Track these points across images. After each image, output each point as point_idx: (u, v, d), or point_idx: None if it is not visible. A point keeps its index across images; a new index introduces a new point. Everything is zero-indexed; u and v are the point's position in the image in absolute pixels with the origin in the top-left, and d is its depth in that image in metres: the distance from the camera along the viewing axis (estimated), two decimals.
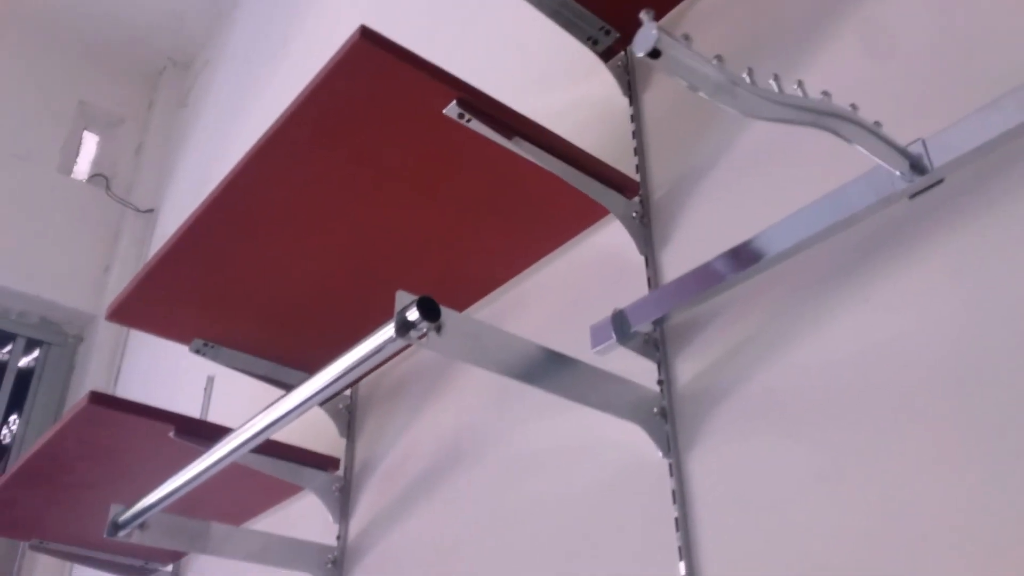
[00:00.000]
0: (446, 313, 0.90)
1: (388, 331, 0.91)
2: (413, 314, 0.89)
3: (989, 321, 0.80)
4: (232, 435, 1.20)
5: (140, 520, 1.36)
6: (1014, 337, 0.78)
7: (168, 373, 2.68)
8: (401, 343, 0.91)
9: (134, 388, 2.93)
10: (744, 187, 1.10)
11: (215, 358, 1.57)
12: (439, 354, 0.94)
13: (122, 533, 1.35)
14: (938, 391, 0.82)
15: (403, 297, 0.90)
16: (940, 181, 0.86)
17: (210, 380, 2.36)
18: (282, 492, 1.69)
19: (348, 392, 1.71)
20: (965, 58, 0.91)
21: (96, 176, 3.48)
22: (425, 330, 0.89)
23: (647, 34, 0.68)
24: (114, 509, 1.36)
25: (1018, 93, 0.78)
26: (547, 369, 0.99)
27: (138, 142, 3.68)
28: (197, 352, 1.56)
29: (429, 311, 0.89)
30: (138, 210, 3.43)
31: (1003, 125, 0.78)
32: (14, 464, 1.61)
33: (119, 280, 3.23)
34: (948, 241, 0.86)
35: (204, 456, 1.26)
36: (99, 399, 1.39)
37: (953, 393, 0.81)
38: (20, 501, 1.73)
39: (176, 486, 1.29)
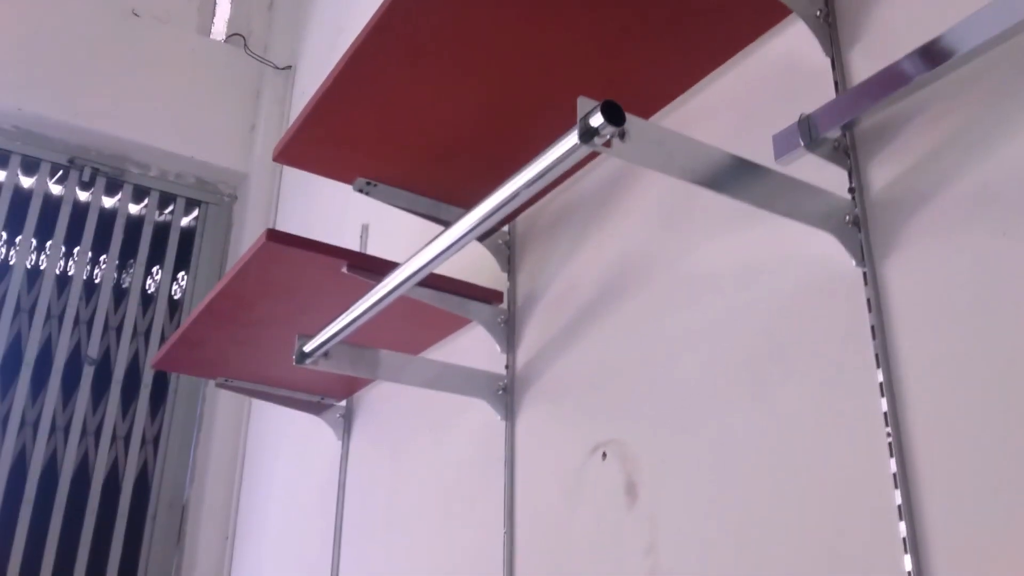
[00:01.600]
0: (630, 119, 0.87)
1: (571, 138, 0.89)
2: (597, 119, 0.86)
3: None
4: (400, 268, 1.23)
5: (324, 349, 1.43)
6: None
7: (320, 226, 2.77)
8: (586, 150, 0.88)
9: None
10: None
11: (377, 196, 1.60)
12: (624, 160, 0.91)
13: (308, 361, 1.43)
14: None
15: (585, 103, 0.87)
16: None
17: (364, 228, 2.42)
18: (450, 325, 1.74)
19: (506, 228, 1.72)
20: None
21: (234, 36, 3.51)
22: (609, 136, 0.87)
23: None
24: (300, 339, 1.43)
25: None
26: (734, 175, 0.95)
27: None
28: (360, 191, 1.58)
29: (613, 116, 0.86)
30: (276, 67, 3.46)
31: None
32: (199, 305, 1.71)
33: (265, 138, 3.31)
34: None
35: (376, 288, 1.30)
36: (276, 236, 1.44)
37: None
38: (205, 341, 1.84)
39: (354, 317, 1.35)
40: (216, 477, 2.92)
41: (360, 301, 1.33)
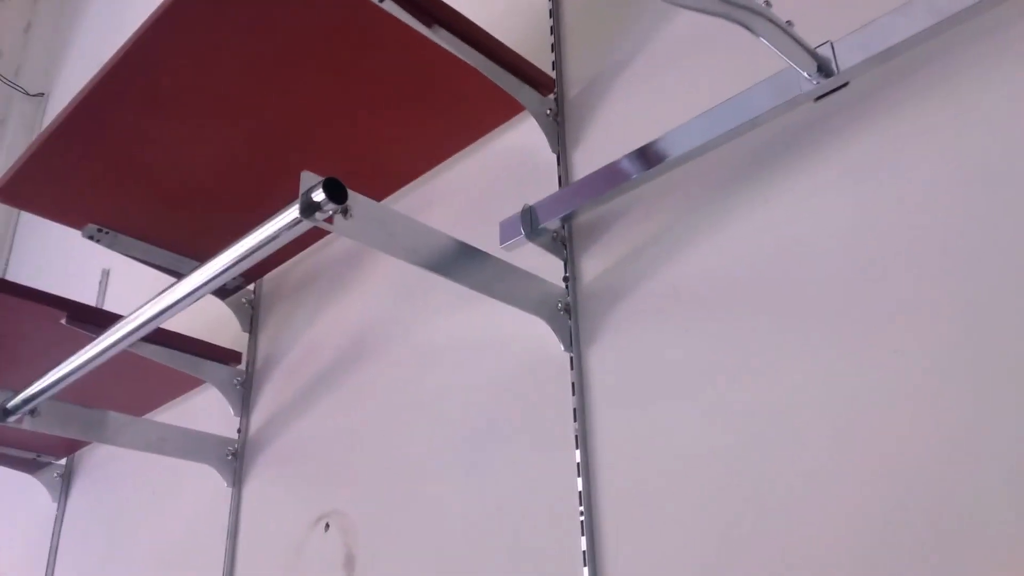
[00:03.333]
0: (353, 196, 0.89)
1: (292, 212, 0.89)
2: (319, 195, 0.87)
3: (886, 221, 0.84)
4: (125, 320, 1.17)
5: (30, 405, 1.32)
6: (909, 237, 0.82)
7: (59, 266, 2.58)
8: (306, 225, 0.89)
9: (23, 281, 2.80)
10: (657, 87, 1.11)
11: (110, 245, 1.51)
12: (347, 237, 0.92)
13: (12, 419, 1.31)
14: (833, 289, 0.85)
15: (309, 178, 0.88)
16: (846, 84, 0.87)
17: (105, 273, 2.28)
18: (183, 385, 1.67)
19: (252, 287, 1.68)
20: None
21: None
22: (331, 212, 0.88)
23: None
24: (2, 394, 1.32)
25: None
26: (456, 260, 0.99)
27: (27, 20, 3.44)
28: (91, 238, 1.49)
29: (335, 192, 0.87)
30: (27, 93, 3.23)
31: (909, 30, 0.80)
32: None
33: (5, 168, 3.06)
34: (850, 144, 0.89)
35: (95, 342, 1.22)
36: None
37: (848, 291, 0.84)
38: None
39: (67, 371, 1.25)
40: None
41: (76, 355, 1.24)
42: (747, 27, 0.79)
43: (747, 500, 0.85)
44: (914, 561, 0.73)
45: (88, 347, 1.23)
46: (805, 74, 0.86)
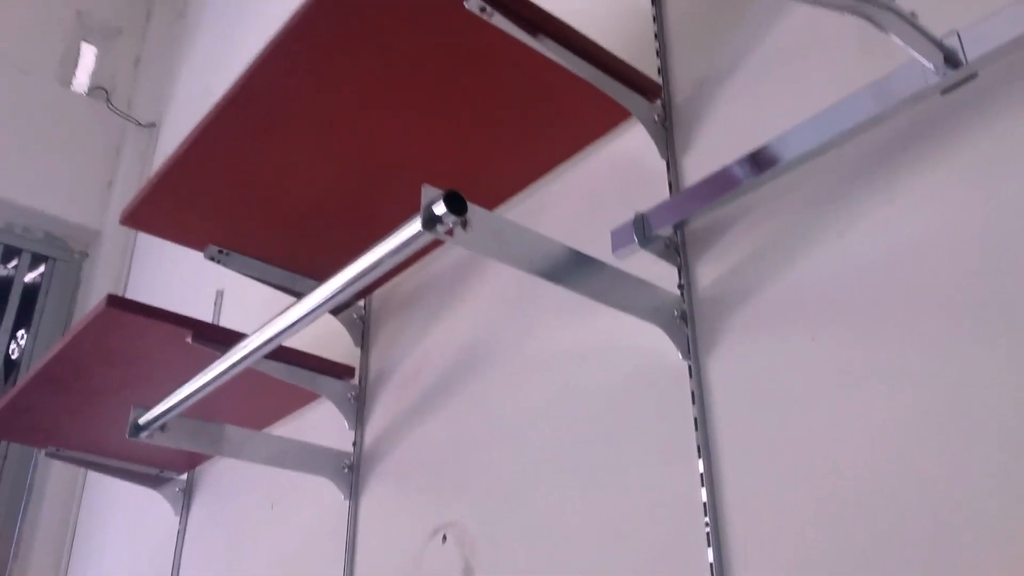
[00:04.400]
0: (472, 209, 0.90)
1: (415, 225, 0.91)
2: (440, 208, 0.88)
3: (1019, 217, 0.80)
4: (248, 339, 1.21)
5: (160, 422, 1.38)
6: None
7: (175, 290, 2.68)
8: (428, 237, 0.90)
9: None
10: (768, 89, 1.09)
11: (229, 265, 1.57)
12: (465, 248, 0.93)
13: (143, 434, 1.38)
14: (965, 290, 0.82)
15: (429, 191, 0.90)
16: (974, 76, 0.84)
17: (219, 294, 2.37)
18: (299, 399, 1.71)
19: (362, 303, 1.72)
20: None
21: (96, 89, 3.42)
22: (452, 224, 0.89)
23: None
24: (135, 411, 1.38)
25: None
26: (570, 268, 0.99)
27: (136, 54, 3.61)
28: (212, 259, 1.55)
29: (456, 205, 0.89)
30: (139, 124, 3.39)
31: None
32: (32, 369, 1.62)
33: (122, 195, 3.21)
34: (979, 139, 0.85)
35: (221, 360, 1.27)
36: (116, 302, 1.39)
37: (980, 291, 0.81)
38: (37, 407, 1.75)
39: (195, 388, 1.31)
40: (43, 552, 2.73)
41: (202, 373, 1.29)
42: (871, 20, 0.77)
43: (881, 512, 0.82)
44: None
45: (215, 364, 1.27)
46: (931, 66, 0.83)
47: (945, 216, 0.86)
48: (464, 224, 0.90)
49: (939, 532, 0.78)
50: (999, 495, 0.75)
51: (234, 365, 1.25)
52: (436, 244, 1.50)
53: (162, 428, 1.40)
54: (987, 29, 0.81)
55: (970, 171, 0.85)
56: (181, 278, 2.64)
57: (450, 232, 0.90)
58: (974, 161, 0.85)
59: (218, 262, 1.56)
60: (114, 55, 3.56)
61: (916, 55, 0.82)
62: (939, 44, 0.82)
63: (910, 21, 0.79)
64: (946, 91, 0.87)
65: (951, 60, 0.83)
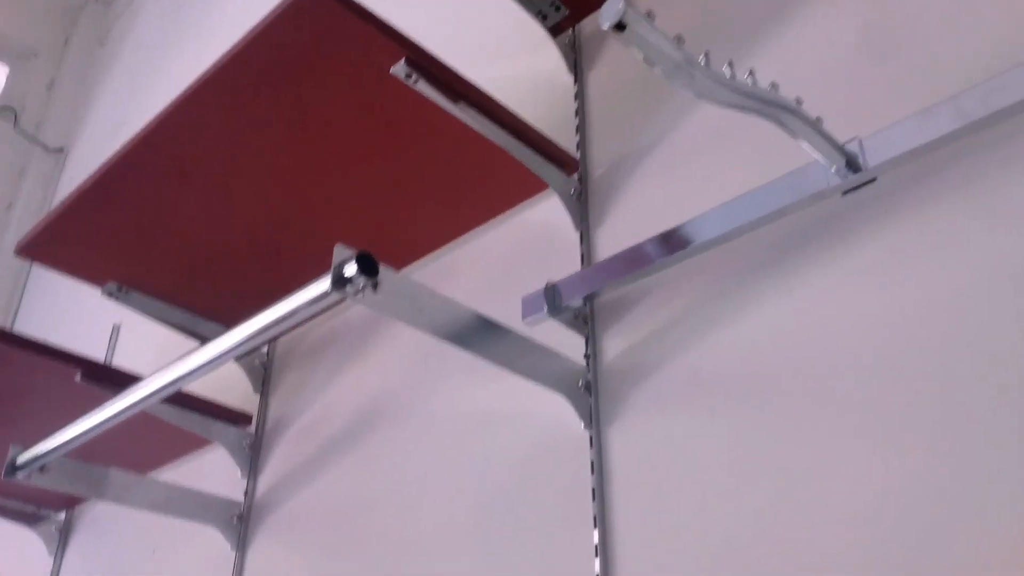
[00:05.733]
0: (384, 271, 0.90)
1: (324, 284, 0.90)
2: (351, 269, 0.88)
3: (911, 318, 0.84)
4: (144, 382, 1.17)
5: (40, 463, 1.31)
6: (936, 333, 0.82)
7: (69, 321, 2.58)
8: (336, 297, 0.90)
9: (31, 335, 2.80)
10: (682, 172, 1.13)
11: (128, 303, 1.52)
12: (373, 311, 0.93)
13: (21, 474, 1.31)
14: (857, 381, 0.86)
15: (341, 251, 0.89)
16: (873, 180, 0.89)
17: (115, 329, 2.29)
18: (190, 444, 1.66)
19: (265, 349, 1.68)
20: (904, 63, 0.95)
21: (5, 109, 3.31)
22: (362, 286, 0.89)
23: (614, 6, 0.69)
24: (13, 449, 1.31)
25: (952, 102, 0.82)
26: (479, 334, 0.99)
27: (51, 78, 3.51)
28: (110, 295, 1.50)
29: (367, 267, 0.89)
30: (47, 148, 3.28)
31: (936, 131, 0.82)
32: None
33: (21, 219, 3.09)
34: (876, 238, 0.90)
35: (112, 402, 1.22)
36: (1, 337, 1.33)
37: (869, 384, 0.85)
38: None
39: (81, 431, 1.25)
40: None
41: (91, 414, 1.24)
42: (780, 123, 0.81)
43: None
44: None
45: (105, 406, 1.22)
46: (833, 169, 0.88)
47: (840, 310, 0.90)
48: (375, 286, 0.90)
49: None
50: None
51: (126, 409, 1.20)
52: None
53: (41, 469, 1.33)
54: (887, 138, 0.86)
55: (867, 268, 0.90)
56: (78, 310, 2.54)
57: (359, 293, 0.89)
58: (871, 259, 0.90)
59: (117, 299, 1.51)
60: (27, 76, 3.45)
61: (820, 157, 0.87)
62: (841, 149, 0.87)
63: (815, 127, 0.83)
64: (846, 192, 0.91)
65: (852, 164, 0.88)
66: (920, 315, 0.84)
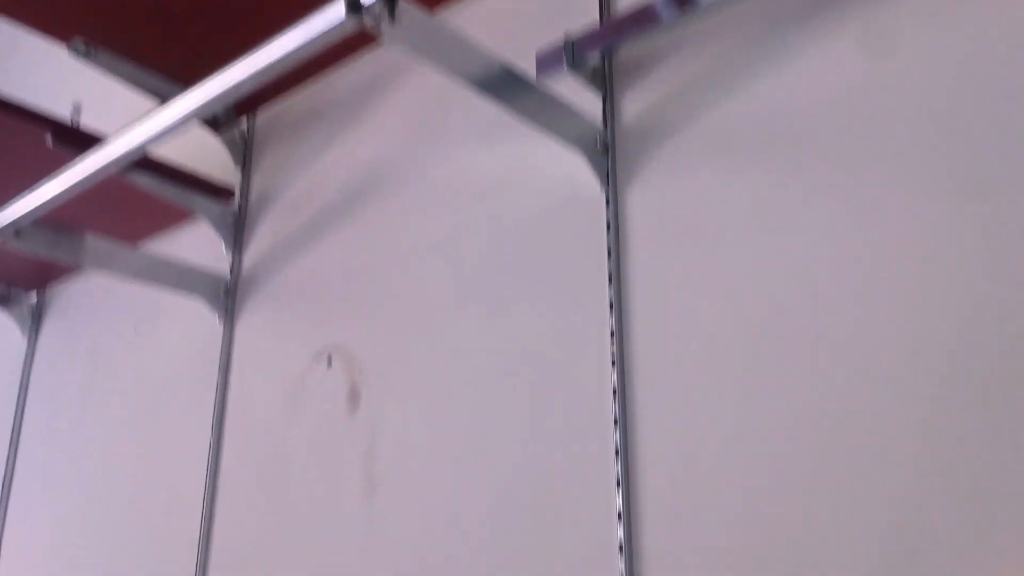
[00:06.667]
0: (402, 2, 0.83)
1: (338, 10, 0.83)
2: None
3: (986, 65, 0.80)
4: (112, 141, 1.10)
5: (14, 227, 1.25)
6: (982, 82, 0.79)
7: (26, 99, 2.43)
8: (352, 24, 0.83)
9: None
10: None
11: (96, 62, 1.41)
12: (390, 46, 0.86)
13: None
14: (900, 138, 0.83)
15: None
16: None
17: (76, 108, 2.16)
18: (170, 218, 1.60)
19: (244, 124, 1.60)
20: None
21: None
22: (379, 11, 0.82)
23: None
24: None
25: None
26: (499, 82, 0.94)
27: None
28: (77, 54, 1.39)
29: None
30: None
31: None
32: None
33: None
34: None
35: (84, 160, 1.15)
36: None
37: (917, 142, 0.82)
38: None
39: (54, 192, 1.19)
40: None
41: (62, 172, 1.17)
42: None
43: (792, 342, 0.84)
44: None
45: (77, 164, 1.16)
46: None
47: (888, 62, 0.85)
48: (392, 13, 0.82)
49: (830, 374, 0.80)
50: (914, 351, 0.78)
51: (99, 170, 1.14)
52: (341, 54, 1.40)
53: (16, 234, 1.28)
54: None
55: (910, 18, 0.84)
56: (35, 87, 2.39)
57: (377, 22, 0.82)
58: (914, 6, 0.84)
59: (83, 57, 1.39)
60: None
61: None
62: None
63: None
64: None
65: None
66: (965, 67, 0.80)
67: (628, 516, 0.89)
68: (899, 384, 0.76)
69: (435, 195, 1.22)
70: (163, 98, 1.48)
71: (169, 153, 1.43)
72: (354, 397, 1.21)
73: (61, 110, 2.15)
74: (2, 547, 1.82)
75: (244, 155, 1.57)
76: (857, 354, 0.80)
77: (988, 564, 0.69)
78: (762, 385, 0.85)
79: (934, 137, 0.80)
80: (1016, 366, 0.71)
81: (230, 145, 1.58)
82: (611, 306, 0.97)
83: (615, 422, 0.93)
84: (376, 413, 1.18)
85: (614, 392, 0.94)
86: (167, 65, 1.45)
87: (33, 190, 1.20)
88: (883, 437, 0.76)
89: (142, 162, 1.37)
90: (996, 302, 0.73)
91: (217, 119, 1.55)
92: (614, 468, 0.92)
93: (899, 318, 0.78)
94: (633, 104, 1.05)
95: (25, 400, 1.90)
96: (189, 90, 1.01)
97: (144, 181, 1.42)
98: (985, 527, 0.70)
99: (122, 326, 1.70)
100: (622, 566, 0.87)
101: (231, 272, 1.49)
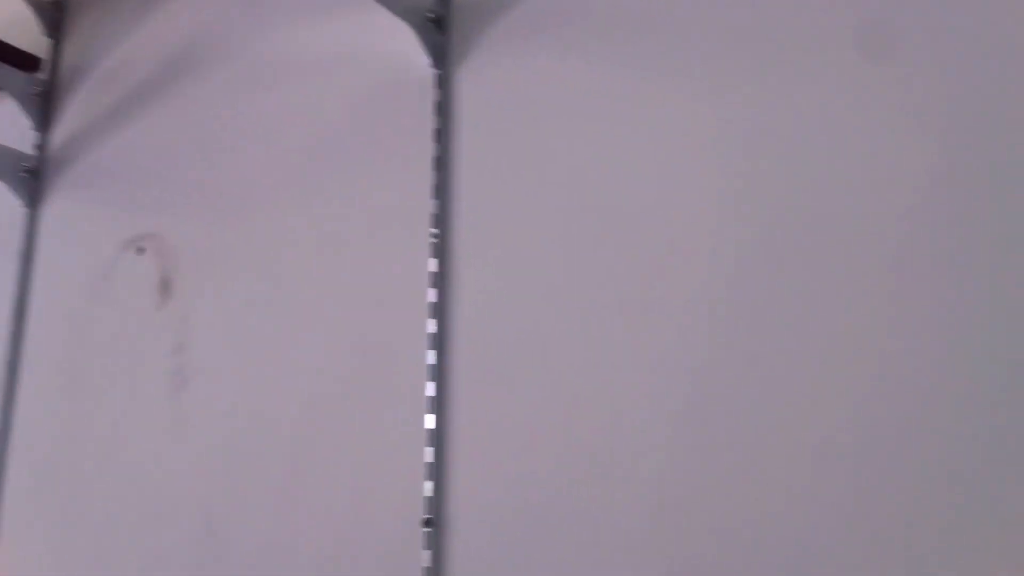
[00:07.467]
0: None
1: None
2: None
3: None
4: None
5: None
6: None
7: None
8: None
9: None
10: None
11: None
12: None
13: None
14: (748, 12, 0.80)
15: None
16: None
17: None
18: None
19: None
20: None
21: None
22: None
23: None
24: None
25: None
26: None
27: None
28: None
29: None
30: None
31: None
32: None
33: None
34: None
35: None
36: None
37: (775, 14, 0.79)
38: None
39: None
40: None
41: None
42: None
43: (620, 222, 0.81)
44: None
45: None
46: None
47: None
48: None
49: (671, 257, 0.78)
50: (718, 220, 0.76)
51: None
52: None
53: None
54: None
55: None
56: None
57: None
58: None
59: None
60: None
61: None
62: None
63: None
64: None
65: None
66: None
67: (440, 406, 0.85)
68: (747, 282, 0.75)
69: (258, 71, 1.13)
70: None
71: None
72: (165, 288, 1.13)
73: None
74: None
75: (56, 22, 1.42)
76: (672, 236, 0.78)
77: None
78: (578, 272, 0.82)
79: (783, 15, 0.78)
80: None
81: (40, 12, 1.42)
82: (433, 191, 0.92)
83: (431, 309, 0.89)
84: (188, 305, 1.10)
85: (431, 278, 0.89)
86: None
87: None
88: (696, 303, 0.75)
89: None
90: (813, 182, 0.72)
91: None
92: (427, 358, 0.88)
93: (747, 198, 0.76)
94: None
95: None
96: None
97: None
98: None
99: None
100: (431, 455, 0.84)
101: (37, 151, 1.36)
